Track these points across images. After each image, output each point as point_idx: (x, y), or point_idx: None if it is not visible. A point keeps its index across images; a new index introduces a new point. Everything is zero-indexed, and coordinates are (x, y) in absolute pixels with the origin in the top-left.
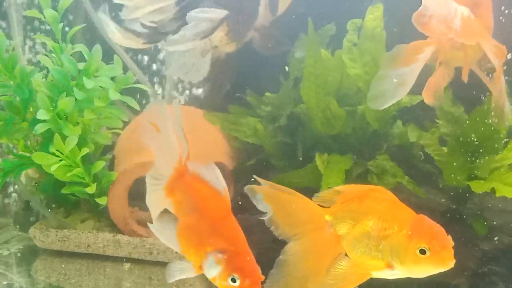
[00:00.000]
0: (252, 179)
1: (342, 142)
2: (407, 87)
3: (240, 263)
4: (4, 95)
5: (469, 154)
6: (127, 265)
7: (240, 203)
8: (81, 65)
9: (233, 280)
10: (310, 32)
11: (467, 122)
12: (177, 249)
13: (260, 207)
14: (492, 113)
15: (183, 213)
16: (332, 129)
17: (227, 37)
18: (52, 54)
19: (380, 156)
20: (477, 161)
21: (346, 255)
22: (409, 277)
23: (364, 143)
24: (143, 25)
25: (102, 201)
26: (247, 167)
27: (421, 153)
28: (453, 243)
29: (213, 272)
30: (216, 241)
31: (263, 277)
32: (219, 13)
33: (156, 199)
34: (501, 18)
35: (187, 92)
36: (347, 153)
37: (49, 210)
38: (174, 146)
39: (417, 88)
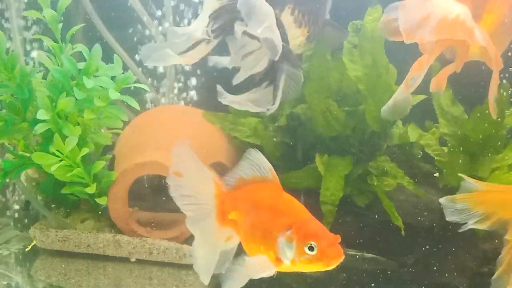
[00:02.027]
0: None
1: (342, 142)
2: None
3: (310, 229)
4: (4, 95)
5: (469, 154)
6: (133, 258)
7: None
8: (81, 65)
9: (311, 248)
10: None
11: (467, 122)
12: (269, 267)
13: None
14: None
15: (242, 225)
16: (332, 130)
17: (306, 42)
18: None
19: (380, 157)
20: (477, 161)
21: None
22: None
23: (364, 144)
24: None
25: (102, 201)
26: None
27: (420, 152)
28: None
29: (289, 253)
30: (279, 222)
31: (339, 236)
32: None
33: (214, 237)
34: None
35: (186, 92)
36: (347, 154)
37: (49, 210)
38: (207, 178)
39: (417, 88)
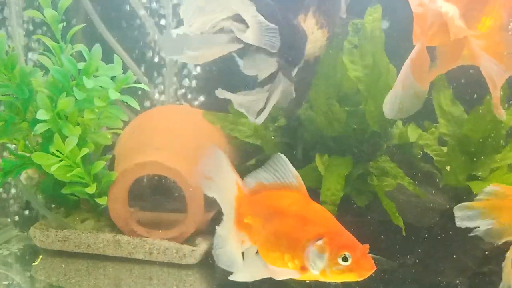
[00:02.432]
0: None
1: (342, 142)
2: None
3: (344, 240)
4: (4, 95)
5: (468, 154)
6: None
7: None
8: (81, 65)
9: (345, 259)
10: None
11: (467, 122)
12: (288, 274)
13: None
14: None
15: (261, 231)
16: (334, 130)
17: (326, 43)
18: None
19: (380, 158)
20: (477, 161)
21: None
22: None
23: (365, 144)
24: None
25: (102, 201)
26: (247, 167)
27: (420, 152)
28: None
29: (319, 263)
30: (309, 231)
31: (368, 246)
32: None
33: (232, 241)
34: None
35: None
36: (347, 154)
37: (49, 210)
38: (231, 180)
39: None
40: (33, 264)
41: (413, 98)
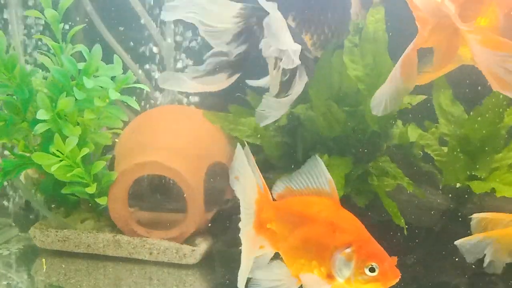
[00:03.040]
0: None
1: (342, 142)
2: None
3: (372, 250)
4: (4, 95)
5: (469, 154)
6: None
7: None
8: (81, 65)
9: (372, 270)
10: None
11: (467, 122)
12: (322, 285)
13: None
14: None
15: (287, 237)
16: (333, 131)
17: (311, 49)
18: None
19: (380, 158)
20: (477, 161)
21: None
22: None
23: (365, 144)
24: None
25: (102, 201)
26: None
27: (420, 152)
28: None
29: (346, 271)
30: (337, 238)
31: (396, 258)
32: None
33: (250, 245)
34: None
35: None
36: (347, 154)
37: (49, 210)
38: (251, 183)
39: (417, 89)
40: (42, 269)
41: (395, 94)
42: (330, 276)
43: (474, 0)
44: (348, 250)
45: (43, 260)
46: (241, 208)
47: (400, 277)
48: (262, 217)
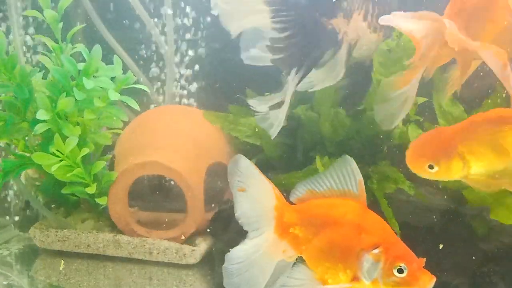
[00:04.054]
0: None
1: (344, 144)
2: (410, 101)
3: (401, 251)
4: (4, 95)
5: None
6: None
7: None
8: (81, 65)
9: (400, 271)
10: None
11: None
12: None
13: None
14: None
15: (311, 240)
16: (338, 135)
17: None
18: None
19: (381, 162)
20: None
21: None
22: None
23: (365, 147)
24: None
25: (102, 201)
26: None
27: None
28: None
29: (373, 272)
30: (365, 240)
31: (424, 259)
32: None
33: (270, 251)
34: None
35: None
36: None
37: (49, 210)
38: (267, 189)
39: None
40: (60, 269)
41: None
42: (356, 279)
43: (480, 10)
44: (375, 251)
45: (62, 261)
46: (250, 216)
47: (435, 280)
48: (284, 222)
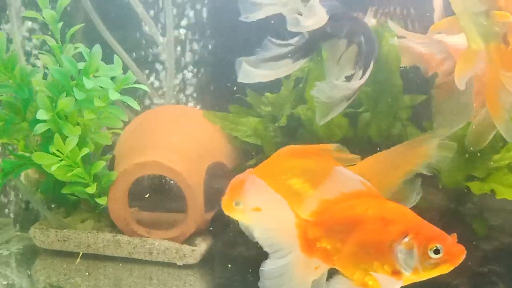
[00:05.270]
0: None
1: (343, 145)
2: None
3: (431, 232)
4: (4, 95)
5: (467, 154)
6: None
7: None
8: (81, 65)
9: (437, 252)
10: None
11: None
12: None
13: None
14: None
15: (339, 249)
16: (333, 136)
17: None
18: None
19: None
20: (475, 161)
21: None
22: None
23: (365, 148)
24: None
25: (102, 201)
26: (247, 167)
27: None
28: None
29: (410, 261)
30: (392, 231)
31: (455, 235)
32: None
33: (303, 273)
34: None
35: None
36: None
37: (49, 210)
38: (284, 207)
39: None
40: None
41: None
42: (395, 273)
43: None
44: (406, 239)
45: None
46: (271, 236)
47: (465, 252)
48: (310, 238)
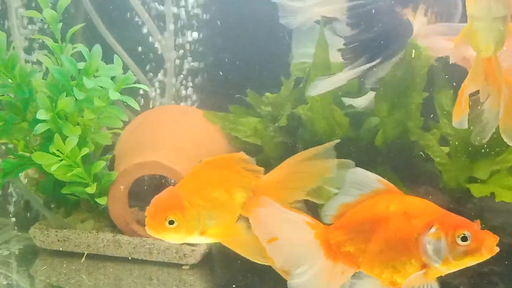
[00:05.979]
0: None
1: (344, 145)
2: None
3: (455, 219)
4: (4, 95)
5: (469, 155)
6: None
7: None
8: (81, 65)
9: (464, 239)
10: (320, 35)
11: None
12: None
13: None
14: None
15: (364, 250)
16: (334, 135)
17: None
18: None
19: (379, 167)
20: (477, 162)
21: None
22: None
23: (365, 149)
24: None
25: (102, 201)
26: None
27: (421, 152)
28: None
29: (439, 251)
30: (417, 224)
31: (478, 221)
32: None
33: (330, 280)
34: None
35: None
36: (347, 158)
37: (49, 210)
38: (299, 224)
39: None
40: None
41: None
42: (424, 266)
43: None
44: (433, 230)
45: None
46: (294, 258)
47: (496, 238)
48: (332, 244)
